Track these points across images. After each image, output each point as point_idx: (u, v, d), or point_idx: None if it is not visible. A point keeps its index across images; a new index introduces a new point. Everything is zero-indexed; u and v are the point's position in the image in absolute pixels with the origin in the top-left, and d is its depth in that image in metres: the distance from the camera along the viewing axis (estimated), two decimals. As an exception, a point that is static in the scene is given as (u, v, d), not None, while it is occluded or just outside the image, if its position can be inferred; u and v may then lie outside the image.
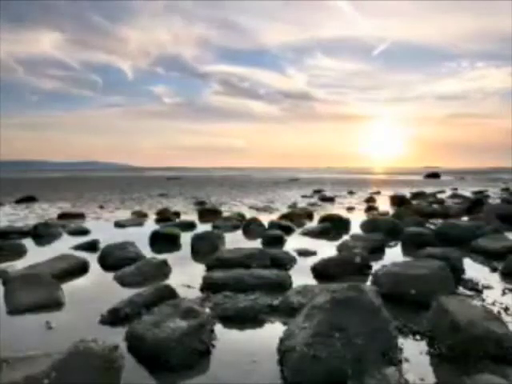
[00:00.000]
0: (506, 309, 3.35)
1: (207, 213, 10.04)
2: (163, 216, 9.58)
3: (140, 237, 6.62)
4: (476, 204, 10.79)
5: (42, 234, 7.11)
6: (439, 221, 8.32)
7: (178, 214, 10.09)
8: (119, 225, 8.53)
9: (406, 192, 17.78)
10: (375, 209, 11.31)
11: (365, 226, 7.59)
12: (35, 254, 5.56)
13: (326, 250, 5.72)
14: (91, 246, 6.09)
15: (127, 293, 3.64)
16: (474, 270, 4.65)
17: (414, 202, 12.32)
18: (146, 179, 38.89)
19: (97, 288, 4.16)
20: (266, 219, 8.14)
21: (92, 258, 5.16)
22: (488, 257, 5.22)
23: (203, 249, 5.72)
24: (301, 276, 4.35)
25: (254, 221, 7.78)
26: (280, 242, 6.38)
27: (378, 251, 5.64)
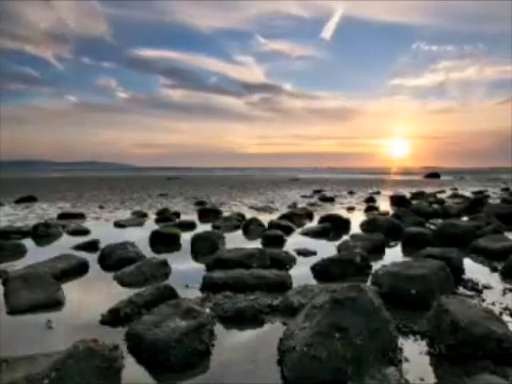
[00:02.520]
0: (506, 309, 3.35)
1: (207, 213, 10.04)
2: (163, 216, 9.57)
3: (140, 237, 6.62)
4: (476, 204, 10.79)
5: (42, 234, 7.11)
6: (439, 221, 8.32)
7: (178, 214, 10.09)
8: (119, 225, 8.53)
9: (406, 192, 17.79)
10: (375, 209, 11.31)
11: (365, 226, 7.60)
12: (35, 254, 5.56)
13: (326, 250, 5.73)
14: (91, 246, 6.10)
15: (127, 293, 3.64)
16: (474, 269, 4.64)
17: (414, 202, 12.31)
18: (146, 179, 38.89)
19: (97, 288, 4.16)
20: (265, 219, 8.14)
21: (92, 258, 5.16)
22: (488, 257, 5.21)
23: (203, 249, 5.72)
24: (301, 276, 4.35)
25: (254, 221, 7.78)
26: (280, 242, 6.38)
27: (378, 251, 5.64)
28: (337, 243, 6.06)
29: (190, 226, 8.16)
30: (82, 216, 10.00)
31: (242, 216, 9.09)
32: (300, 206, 12.23)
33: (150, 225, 8.50)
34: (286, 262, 4.94)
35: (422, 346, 2.70)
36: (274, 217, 9.14)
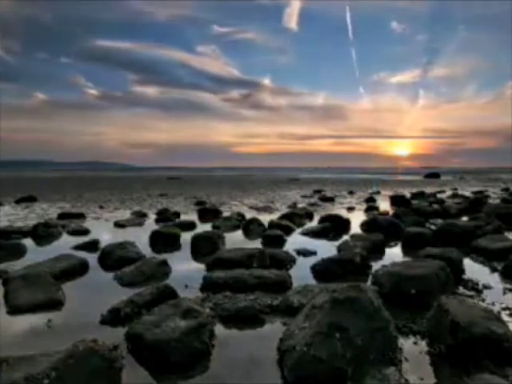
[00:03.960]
0: (506, 309, 3.35)
1: (207, 213, 10.04)
2: (163, 216, 9.58)
3: (140, 237, 6.62)
4: (476, 204, 10.79)
5: (42, 234, 7.11)
6: (439, 221, 8.32)
7: (178, 214, 10.09)
8: (119, 225, 8.53)
9: (406, 192, 17.79)
10: (375, 209, 11.31)
11: (365, 226, 7.59)
12: (35, 254, 5.56)
13: (326, 249, 5.73)
14: (91, 246, 6.10)
15: (127, 293, 3.64)
16: (474, 269, 4.64)
17: (414, 202, 12.31)
18: (146, 179, 38.89)
19: (97, 288, 4.16)
20: (265, 219, 8.14)
21: (92, 258, 5.16)
22: (488, 257, 5.21)
23: (203, 249, 5.71)
24: (301, 276, 4.34)
25: (254, 221, 7.78)
26: (280, 242, 6.38)
27: (378, 251, 5.64)
28: (337, 243, 6.06)
29: (190, 226, 8.16)
30: (82, 216, 10.00)
31: (242, 216, 9.09)
32: (300, 205, 12.23)
33: (150, 225, 8.50)
34: (286, 262, 4.94)
35: (422, 346, 2.71)
36: (274, 217, 9.14)
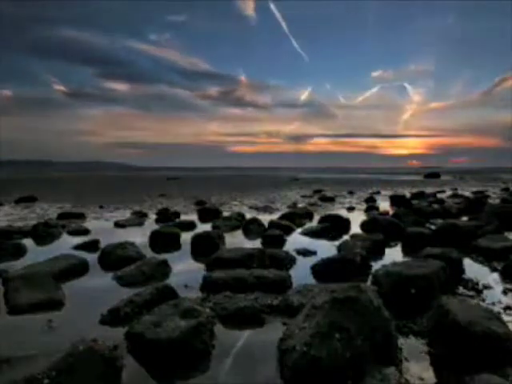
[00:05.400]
0: (506, 309, 3.35)
1: (207, 213, 10.04)
2: (163, 216, 9.58)
3: (140, 237, 6.63)
4: (476, 204, 10.78)
5: (42, 234, 7.11)
6: (439, 221, 8.32)
7: (178, 214, 10.09)
8: (119, 225, 8.53)
9: (406, 192, 17.79)
10: (375, 209, 11.31)
11: (365, 225, 7.59)
12: (35, 254, 5.56)
13: (326, 249, 5.73)
14: (91, 246, 6.10)
15: (127, 293, 3.64)
16: (474, 269, 4.65)
17: (414, 202, 12.31)
18: (146, 179, 38.88)
19: (97, 288, 4.16)
20: (265, 219, 8.15)
21: (92, 258, 5.16)
22: (488, 257, 5.21)
23: (203, 249, 5.72)
24: (301, 276, 4.35)
25: (254, 221, 7.79)
26: (280, 241, 6.38)
27: (378, 251, 5.64)
28: (337, 243, 6.06)
29: (190, 226, 8.16)
30: (82, 216, 10.00)
31: (242, 216, 9.09)
32: (300, 205, 12.23)
33: (150, 225, 8.50)
34: (286, 262, 4.94)
35: (422, 345, 2.71)
36: (274, 217, 9.14)
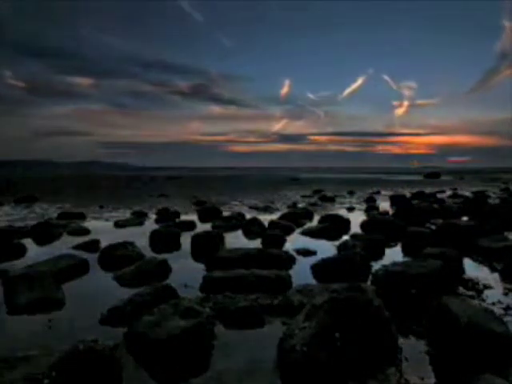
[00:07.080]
0: (506, 309, 3.35)
1: (207, 213, 10.04)
2: (163, 216, 9.57)
3: (140, 237, 6.62)
4: (476, 204, 10.78)
5: (42, 233, 7.11)
6: (439, 221, 8.32)
7: (177, 214, 10.09)
8: (119, 225, 8.53)
9: (406, 192, 17.79)
10: (375, 209, 11.31)
11: (365, 226, 7.60)
12: (35, 254, 5.56)
13: (326, 250, 5.73)
14: (91, 246, 6.09)
15: (127, 293, 3.64)
16: (474, 269, 4.65)
17: (414, 202, 12.31)
18: (145, 179, 38.88)
19: (97, 288, 4.16)
20: (266, 219, 8.15)
21: (92, 258, 5.16)
22: (488, 257, 5.22)
23: (203, 249, 5.72)
24: (301, 276, 4.35)
25: (254, 221, 7.79)
26: (280, 241, 6.38)
27: (377, 251, 5.64)
28: (337, 243, 6.06)
29: (190, 226, 8.16)
30: (82, 216, 9.99)
31: (242, 216, 9.09)
32: (300, 205, 12.23)
33: (150, 225, 8.50)
34: (286, 262, 4.94)
35: (422, 346, 2.70)
36: (274, 217, 9.14)
